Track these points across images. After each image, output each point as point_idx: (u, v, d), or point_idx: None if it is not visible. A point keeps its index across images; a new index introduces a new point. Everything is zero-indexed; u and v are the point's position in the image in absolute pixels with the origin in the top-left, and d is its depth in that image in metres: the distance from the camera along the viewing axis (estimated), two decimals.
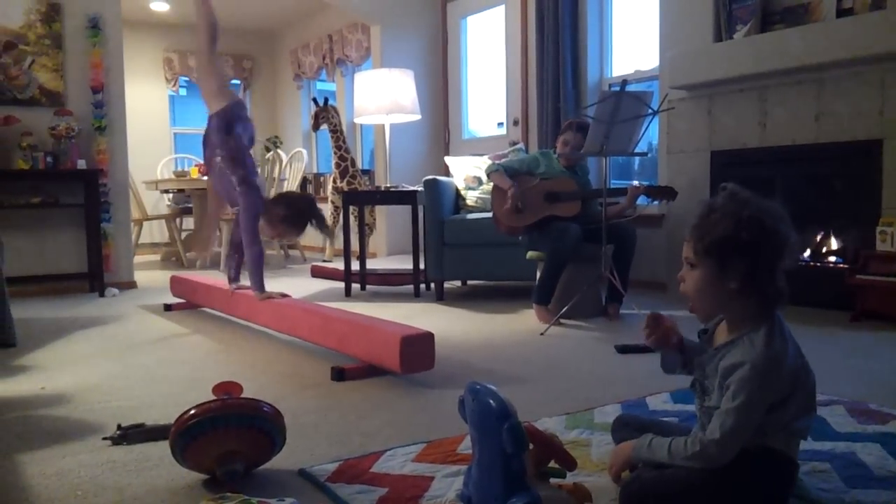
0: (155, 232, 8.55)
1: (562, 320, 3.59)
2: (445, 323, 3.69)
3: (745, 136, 4.18)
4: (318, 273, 5.95)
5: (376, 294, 4.84)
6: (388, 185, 4.90)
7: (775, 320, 1.38)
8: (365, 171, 7.41)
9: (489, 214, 4.14)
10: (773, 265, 1.36)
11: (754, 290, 1.36)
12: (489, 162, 4.55)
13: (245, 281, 3.71)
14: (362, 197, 5.27)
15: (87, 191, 5.07)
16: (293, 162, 7.49)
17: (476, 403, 1.38)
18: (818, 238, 4.12)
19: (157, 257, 7.99)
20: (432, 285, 4.64)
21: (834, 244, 4.07)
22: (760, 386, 1.32)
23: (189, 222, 7.79)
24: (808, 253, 4.14)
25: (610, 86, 5.41)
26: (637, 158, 5.53)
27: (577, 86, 5.52)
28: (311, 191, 8.67)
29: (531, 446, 1.37)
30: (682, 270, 1.44)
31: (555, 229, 3.69)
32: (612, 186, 4.02)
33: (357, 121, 5.21)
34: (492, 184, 4.00)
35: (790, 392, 1.37)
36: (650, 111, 3.49)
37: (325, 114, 6.62)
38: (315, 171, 9.09)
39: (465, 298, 4.60)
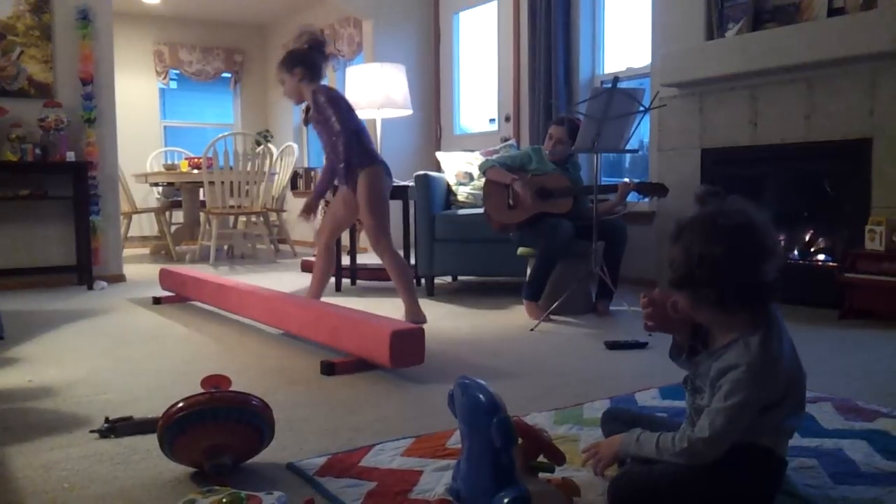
0: (144, 225, 8.51)
1: (552, 316, 3.59)
2: (436, 318, 3.69)
3: (735, 135, 4.20)
4: (308, 268, 5.93)
5: (367, 289, 4.83)
6: None
7: (772, 322, 1.37)
8: None
9: (480, 210, 4.14)
10: (744, 282, 1.33)
11: (735, 307, 1.35)
12: (481, 158, 4.55)
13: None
14: None
15: (76, 183, 5.03)
16: (284, 156, 7.47)
17: (465, 398, 1.38)
18: (807, 236, 4.14)
19: (146, 250, 7.95)
20: (423, 280, 4.63)
21: (823, 243, 4.09)
22: (754, 388, 1.32)
23: (178, 216, 7.76)
24: (797, 251, 4.16)
25: (602, 83, 5.42)
26: (628, 155, 5.55)
27: (568, 82, 5.52)
28: (302, 186, 8.65)
29: (520, 441, 1.37)
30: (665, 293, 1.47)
31: (546, 226, 3.69)
32: (603, 183, 4.03)
33: None
34: (483, 179, 4.00)
35: (784, 394, 1.37)
36: (641, 108, 3.49)
37: None
38: (306, 165, 9.07)
39: (456, 294, 4.60)
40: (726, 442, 1.33)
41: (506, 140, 5.47)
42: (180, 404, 1.59)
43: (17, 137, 4.80)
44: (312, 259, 6.19)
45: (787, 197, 4.25)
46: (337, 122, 3.48)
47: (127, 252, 6.56)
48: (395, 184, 4.77)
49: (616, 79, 3.41)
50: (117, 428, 1.93)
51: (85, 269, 5.07)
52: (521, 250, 3.96)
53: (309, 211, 3.74)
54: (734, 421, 1.32)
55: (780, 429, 1.40)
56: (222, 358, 2.91)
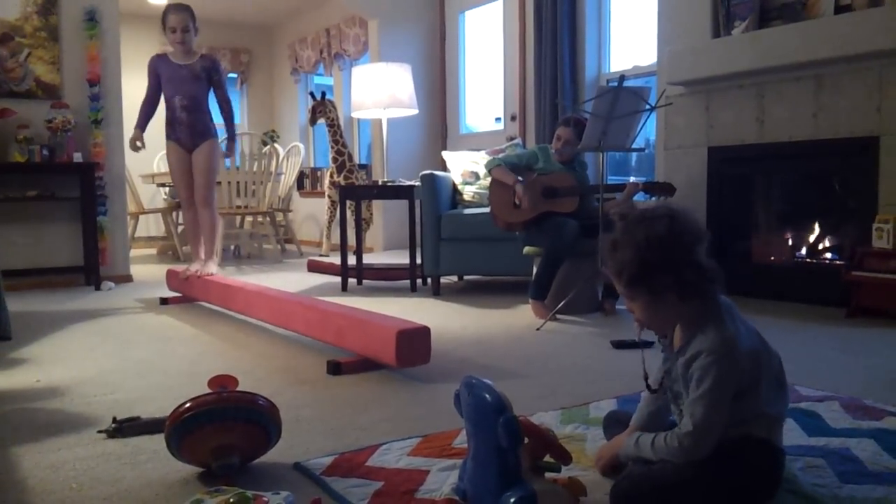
0: (151, 226, 8.54)
1: (558, 316, 3.59)
2: (442, 317, 3.69)
3: (742, 133, 4.18)
4: (314, 268, 5.95)
5: (373, 289, 4.84)
6: (385, 180, 4.90)
7: (721, 308, 1.42)
8: (362, 166, 7.41)
9: (486, 209, 4.13)
10: (692, 260, 1.38)
11: (691, 291, 1.39)
12: (487, 157, 4.55)
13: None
14: (359, 192, 5.27)
15: (84, 184, 5.05)
16: (290, 156, 7.48)
17: (472, 398, 1.38)
18: (815, 234, 4.13)
19: (153, 251, 7.98)
20: (429, 280, 4.64)
21: (830, 241, 4.07)
22: (720, 369, 1.35)
23: None
24: (804, 249, 4.15)
25: (608, 81, 5.41)
26: (634, 154, 5.53)
27: (574, 81, 5.51)
28: (308, 185, 8.66)
29: (526, 440, 1.38)
30: (627, 303, 1.49)
31: (552, 225, 3.69)
32: (609, 182, 4.02)
33: (354, 115, 5.20)
34: (489, 179, 4.00)
35: (756, 375, 1.40)
36: (648, 107, 3.48)
37: (322, 108, 6.61)
38: (312, 165, 9.08)
39: (462, 293, 4.60)
40: (712, 431, 1.35)
41: (512, 139, 5.47)
42: (188, 404, 1.59)
43: (24, 139, 4.82)
44: (319, 259, 6.21)
45: (795, 195, 4.24)
46: (225, 92, 4.34)
47: (134, 252, 6.59)
48: (396, 182, 4.79)
49: (622, 77, 3.41)
50: (125, 428, 1.94)
51: (92, 269, 5.09)
52: (527, 249, 3.96)
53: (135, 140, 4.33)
54: (713, 406, 1.34)
55: (768, 416, 1.42)
56: (229, 358, 2.92)
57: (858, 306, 3.52)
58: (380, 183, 4.92)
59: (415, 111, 5.06)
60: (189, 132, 4.22)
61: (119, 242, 5.37)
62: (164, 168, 7.82)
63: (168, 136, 4.29)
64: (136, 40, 8.49)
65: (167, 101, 4.25)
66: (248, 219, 7.49)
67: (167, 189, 7.72)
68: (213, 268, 4.30)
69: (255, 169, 6.71)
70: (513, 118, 6.31)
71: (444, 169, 5.07)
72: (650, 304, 1.42)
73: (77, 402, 2.29)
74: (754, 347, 1.41)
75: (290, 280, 5.25)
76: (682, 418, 1.40)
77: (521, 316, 3.74)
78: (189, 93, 4.19)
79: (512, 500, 1.27)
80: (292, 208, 8.22)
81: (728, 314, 1.42)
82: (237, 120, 9.67)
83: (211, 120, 4.30)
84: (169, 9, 4.20)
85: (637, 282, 1.40)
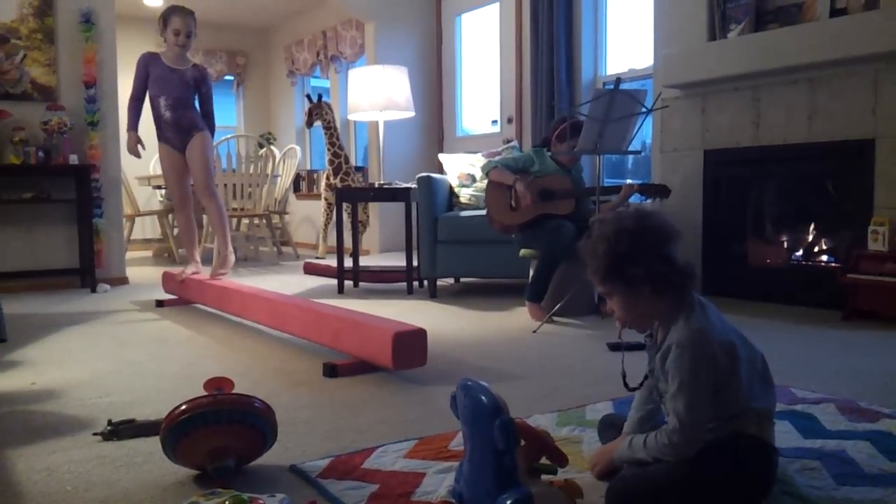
0: (147, 228, 8.52)
1: (554, 318, 3.59)
2: (438, 320, 3.69)
3: (738, 135, 4.19)
4: (311, 270, 5.94)
5: (369, 291, 4.83)
6: (382, 183, 4.90)
7: (693, 303, 1.44)
8: (358, 168, 7.41)
9: (483, 212, 4.13)
10: (662, 254, 1.42)
11: (664, 284, 1.42)
12: (483, 160, 4.55)
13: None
14: (356, 194, 5.27)
15: (79, 186, 5.04)
16: (286, 158, 7.47)
17: (468, 400, 1.38)
18: (810, 237, 4.14)
19: (149, 253, 7.97)
20: (425, 282, 4.63)
21: (826, 243, 4.08)
22: (691, 360, 1.37)
23: None
24: (800, 252, 4.16)
25: (604, 84, 5.42)
26: (630, 157, 5.54)
27: (571, 84, 5.52)
28: (304, 188, 8.66)
29: (522, 443, 1.38)
30: (608, 303, 1.52)
31: (549, 227, 3.69)
32: (605, 184, 4.02)
33: (351, 117, 5.20)
34: (486, 181, 4.00)
35: (733, 367, 1.41)
36: (644, 109, 3.49)
37: (318, 110, 6.61)
38: (308, 167, 9.07)
39: (458, 295, 4.60)
40: (697, 424, 1.37)
41: (508, 142, 5.47)
42: (183, 407, 1.59)
43: (20, 140, 4.81)
44: (315, 262, 6.21)
45: (790, 198, 4.25)
46: (210, 106, 4.36)
47: (130, 255, 6.58)
48: (393, 185, 4.79)
49: (618, 80, 3.41)
50: (120, 430, 1.93)
51: (88, 271, 5.08)
52: (523, 252, 3.96)
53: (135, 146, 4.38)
54: (692, 399, 1.36)
55: (756, 412, 1.43)
56: (225, 360, 2.91)
57: (854, 309, 3.52)
58: (376, 185, 4.92)
59: (411, 114, 5.06)
60: (175, 129, 4.23)
61: (115, 245, 5.36)
62: (160, 170, 7.82)
63: (159, 138, 4.30)
64: (132, 42, 8.47)
65: (152, 101, 4.26)
66: (245, 221, 7.48)
67: (163, 191, 7.71)
68: (230, 259, 4.31)
69: (251, 171, 6.71)
70: (509, 121, 6.32)
71: (441, 171, 5.06)
72: (627, 299, 1.45)
73: (72, 404, 2.28)
74: (728, 339, 1.42)
75: (287, 282, 5.25)
76: (669, 416, 1.41)
77: (518, 318, 3.74)
78: (174, 94, 4.20)
79: (508, 502, 1.27)
80: (289, 211, 8.21)
81: (701, 309, 1.44)
82: (233, 122, 9.69)
83: (198, 115, 4.29)
84: (175, 10, 4.20)
85: (612, 274, 1.43)
